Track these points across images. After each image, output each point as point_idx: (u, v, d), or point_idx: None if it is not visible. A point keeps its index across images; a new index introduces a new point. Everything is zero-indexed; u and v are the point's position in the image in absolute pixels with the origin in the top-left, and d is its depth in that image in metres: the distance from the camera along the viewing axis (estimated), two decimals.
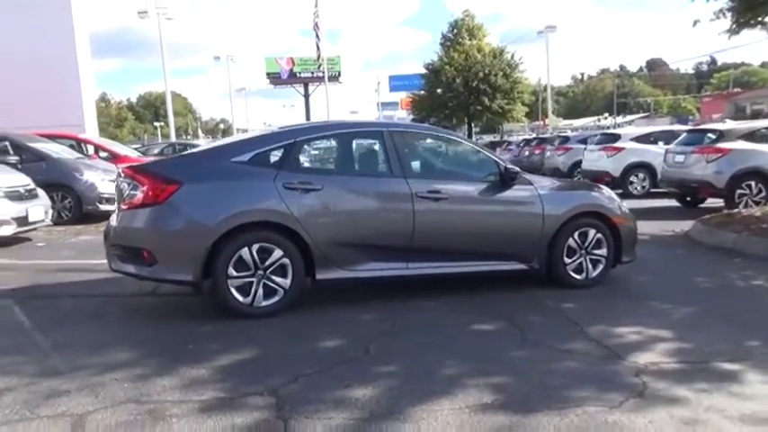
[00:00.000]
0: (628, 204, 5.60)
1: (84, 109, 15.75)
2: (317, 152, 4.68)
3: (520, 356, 3.50)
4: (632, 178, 13.60)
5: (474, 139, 45.39)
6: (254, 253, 4.14)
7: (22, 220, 7.52)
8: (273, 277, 4.20)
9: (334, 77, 72.18)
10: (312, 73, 69.72)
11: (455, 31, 38.13)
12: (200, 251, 4.02)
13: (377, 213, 4.51)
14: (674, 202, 11.08)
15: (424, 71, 37.29)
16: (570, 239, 5.03)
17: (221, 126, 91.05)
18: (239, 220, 4.10)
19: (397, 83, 55.61)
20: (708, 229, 7.27)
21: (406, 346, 3.67)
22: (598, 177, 13.56)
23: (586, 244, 5.08)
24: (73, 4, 14.49)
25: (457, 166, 5.38)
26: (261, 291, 4.18)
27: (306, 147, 4.61)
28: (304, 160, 4.55)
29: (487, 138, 44.14)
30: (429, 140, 5.29)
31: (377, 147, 4.75)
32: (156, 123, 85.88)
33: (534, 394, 2.94)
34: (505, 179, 4.81)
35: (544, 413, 2.73)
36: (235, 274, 4.11)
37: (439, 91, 34.36)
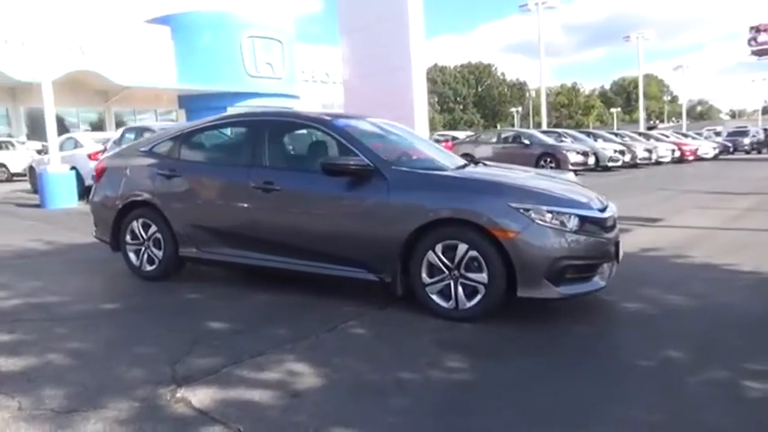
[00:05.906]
0: None
1: (415, 105, 18.57)
2: (196, 143, 5.01)
3: (142, 351, 3.40)
4: None
5: None
6: (140, 226, 5.06)
7: None
8: (153, 248, 5.02)
9: None
10: None
11: None
12: (109, 220, 5.23)
13: (220, 201, 4.69)
14: None
15: None
16: (430, 253, 3.87)
17: (698, 108, 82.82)
18: (126, 199, 5.10)
19: None
20: None
21: (142, 325, 3.98)
22: None
23: (456, 262, 3.79)
24: (410, 22, 17.36)
25: (307, 158, 4.71)
26: (145, 258, 5.07)
27: (190, 138, 5.08)
28: (183, 150, 4.99)
29: None
30: (298, 131, 4.78)
31: (242, 137, 4.82)
32: (613, 110, 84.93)
33: None
34: (339, 173, 4.09)
35: None
36: (130, 241, 5.14)
37: None
